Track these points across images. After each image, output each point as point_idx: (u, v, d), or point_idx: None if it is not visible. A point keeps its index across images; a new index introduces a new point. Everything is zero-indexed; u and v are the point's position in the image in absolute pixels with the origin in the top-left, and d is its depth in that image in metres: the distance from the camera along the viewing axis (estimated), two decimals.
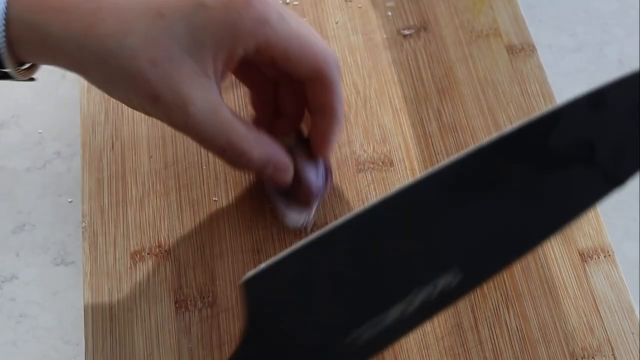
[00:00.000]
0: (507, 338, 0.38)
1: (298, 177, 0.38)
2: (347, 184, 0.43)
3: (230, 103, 0.45)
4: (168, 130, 0.45)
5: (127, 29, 0.31)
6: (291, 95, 0.38)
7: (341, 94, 0.36)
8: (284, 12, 0.33)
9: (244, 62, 0.35)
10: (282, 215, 0.40)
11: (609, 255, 0.41)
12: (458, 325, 0.38)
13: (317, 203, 0.40)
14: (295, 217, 0.40)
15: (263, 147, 0.35)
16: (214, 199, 0.42)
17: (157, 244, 0.41)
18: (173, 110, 0.32)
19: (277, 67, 0.34)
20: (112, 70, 0.31)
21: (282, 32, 0.33)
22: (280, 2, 0.50)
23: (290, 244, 0.40)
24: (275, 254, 0.40)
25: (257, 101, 0.41)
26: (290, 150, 0.38)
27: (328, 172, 0.40)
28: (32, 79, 0.34)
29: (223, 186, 0.42)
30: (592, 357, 0.37)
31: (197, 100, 0.32)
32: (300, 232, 0.40)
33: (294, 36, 0.33)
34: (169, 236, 0.41)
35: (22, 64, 0.33)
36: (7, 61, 0.31)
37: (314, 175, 0.39)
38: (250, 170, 0.37)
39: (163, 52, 0.31)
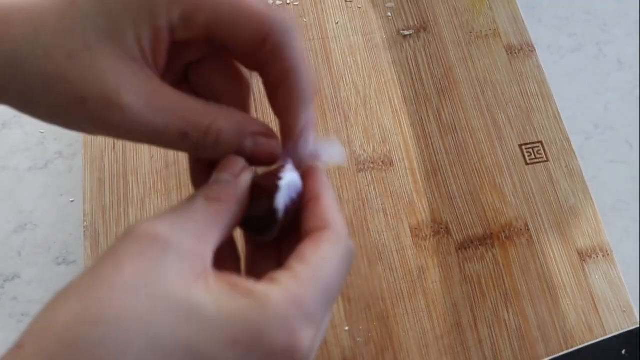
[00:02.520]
0: (506, 337, 0.38)
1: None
2: (347, 184, 0.43)
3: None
4: None
5: (39, 26, 0.27)
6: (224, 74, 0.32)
7: (299, 55, 0.29)
8: None
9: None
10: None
11: (608, 254, 0.41)
12: (457, 324, 0.39)
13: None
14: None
15: (230, 114, 0.29)
16: None
17: None
18: (107, 109, 0.27)
19: (215, 39, 0.29)
20: (27, 77, 0.27)
21: None
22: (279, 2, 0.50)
23: None
24: None
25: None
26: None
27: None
28: None
29: None
30: None
31: (130, 87, 0.27)
32: None
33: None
34: None
35: None
36: None
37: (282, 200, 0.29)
38: (225, 152, 0.30)
39: (79, 43, 0.27)
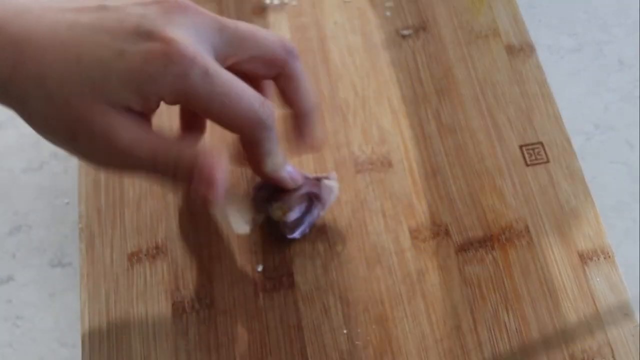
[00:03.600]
0: (506, 340, 0.38)
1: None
2: (346, 185, 0.43)
3: None
4: (165, 130, 0.44)
5: (46, 73, 0.31)
6: None
7: (275, 155, 0.36)
8: (211, 68, 0.32)
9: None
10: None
11: (609, 256, 0.40)
12: (457, 328, 0.38)
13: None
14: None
15: (187, 146, 0.34)
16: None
17: (154, 245, 0.41)
18: (92, 146, 0.33)
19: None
20: (32, 110, 0.32)
21: (202, 90, 0.32)
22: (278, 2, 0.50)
23: (289, 246, 0.40)
24: (272, 255, 0.40)
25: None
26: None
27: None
28: None
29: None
30: (592, 359, 0.37)
31: (117, 130, 0.32)
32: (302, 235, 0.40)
33: (216, 96, 0.32)
34: (166, 237, 0.41)
35: None
36: None
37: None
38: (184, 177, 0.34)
39: (77, 92, 0.31)
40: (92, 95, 0.32)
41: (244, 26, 0.35)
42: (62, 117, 0.32)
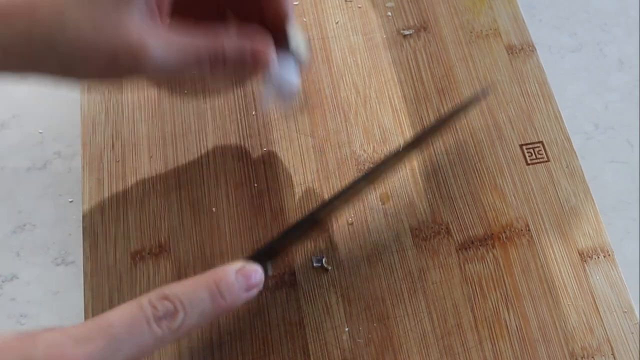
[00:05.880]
0: (506, 338, 0.38)
1: None
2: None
3: (231, 103, 0.45)
4: (168, 129, 0.45)
5: (62, 5, 0.32)
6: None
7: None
8: None
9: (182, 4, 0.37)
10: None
11: (609, 255, 0.41)
12: (458, 325, 0.38)
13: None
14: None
15: (228, 36, 0.36)
16: (213, 209, 0.42)
17: (157, 243, 0.41)
18: (136, 58, 0.33)
19: None
20: (64, 51, 0.32)
21: None
22: None
23: (291, 244, 0.41)
24: None
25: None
26: None
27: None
28: None
29: (223, 186, 0.42)
30: (592, 357, 0.37)
31: (149, 38, 0.33)
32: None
33: None
34: (169, 236, 0.41)
35: None
36: None
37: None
38: (229, 72, 0.37)
39: (100, 14, 0.32)
40: (114, 8, 0.32)
41: None
42: (97, 41, 0.32)
